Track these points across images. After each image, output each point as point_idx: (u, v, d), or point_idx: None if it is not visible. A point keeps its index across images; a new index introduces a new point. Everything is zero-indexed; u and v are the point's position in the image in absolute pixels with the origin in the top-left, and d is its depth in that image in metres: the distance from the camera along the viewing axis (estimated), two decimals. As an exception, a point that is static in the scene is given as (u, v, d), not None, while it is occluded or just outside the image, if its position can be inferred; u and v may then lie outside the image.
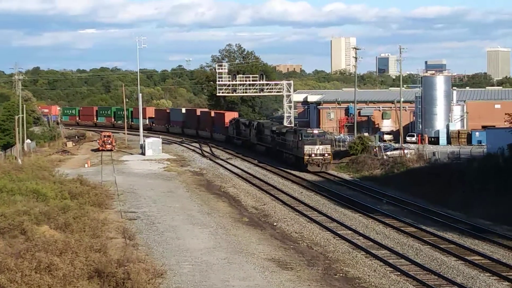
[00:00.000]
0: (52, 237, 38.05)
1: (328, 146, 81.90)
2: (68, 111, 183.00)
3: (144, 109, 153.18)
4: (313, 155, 79.81)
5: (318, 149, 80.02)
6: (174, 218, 52.21)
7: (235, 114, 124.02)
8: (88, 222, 44.60)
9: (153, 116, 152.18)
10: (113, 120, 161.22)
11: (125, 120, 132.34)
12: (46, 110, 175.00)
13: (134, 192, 65.22)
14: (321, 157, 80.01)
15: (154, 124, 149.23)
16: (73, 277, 30.93)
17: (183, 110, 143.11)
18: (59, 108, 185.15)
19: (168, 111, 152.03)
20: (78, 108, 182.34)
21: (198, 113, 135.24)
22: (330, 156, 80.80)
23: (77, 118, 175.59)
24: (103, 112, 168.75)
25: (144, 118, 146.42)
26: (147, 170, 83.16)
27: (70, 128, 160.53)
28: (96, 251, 35.82)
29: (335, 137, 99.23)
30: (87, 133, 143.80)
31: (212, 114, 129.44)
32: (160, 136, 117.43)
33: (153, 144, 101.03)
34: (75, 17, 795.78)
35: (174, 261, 38.54)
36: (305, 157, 79.80)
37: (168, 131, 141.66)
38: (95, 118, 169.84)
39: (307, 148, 79.96)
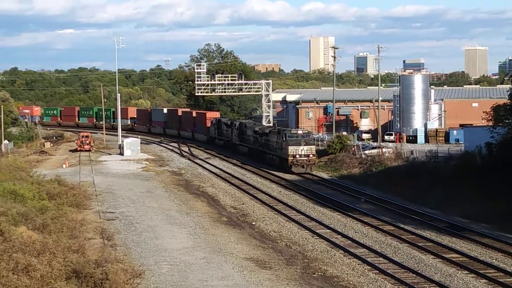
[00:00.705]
0: (30, 238, 37.86)
1: (313, 147, 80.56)
2: (49, 112, 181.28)
3: (125, 109, 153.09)
4: (297, 156, 78.38)
5: (303, 150, 78.62)
6: (152, 218, 52.13)
7: (216, 114, 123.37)
8: (66, 222, 44.43)
9: (135, 116, 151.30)
10: (95, 120, 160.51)
11: (104, 120, 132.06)
12: (27, 111, 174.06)
13: (113, 192, 65.04)
14: (306, 158, 78.61)
15: (136, 125, 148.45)
16: (51, 277, 30.81)
17: (165, 110, 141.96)
18: (36, 108, 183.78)
19: (149, 111, 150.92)
20: (59, 109, 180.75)
21: (180, 113, 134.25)
22: (314, 157, 79.59)
23: (59, 119, 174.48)
24: (85, 112, 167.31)
25: (125, 118, 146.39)
26: (125, 170, 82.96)
27: (48, 128, 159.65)
28: (74, 251, 35.70)
29: (314, 136, 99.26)
30: (65, 134, 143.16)
31: (194, 114, 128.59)
32: (139, 136, 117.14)
33: (132, 144, 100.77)
34: (53, 17, 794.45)
35: (153, 261, 38.49)
36: (289, 158, 78.49)
37: (149, 131, 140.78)
38: (77, 118, 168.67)
39: (292, 149, 78.53)
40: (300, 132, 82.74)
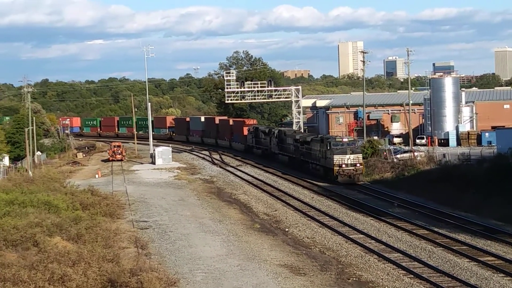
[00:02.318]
0: (65, 248, 38.15)
1: (360, 155, 75.72)
2: (89, 122, 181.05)
3: (163, 119, 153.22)
4: (343, 165, 73.70)
5: (349, 158, 74.00)
6: (185, 226, 52.24)
7: (254, 122, 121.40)
8: (100, 232, 44.69)
9: (173, 125, 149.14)
10: (134, 130, 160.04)
11: (135, 129, 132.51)
12: (67, 122, 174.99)
13: (145, 201, 65.26)
14: (353, 168, 73.92)
15: (174, 134, 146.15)
16: (87, 287, 31.01)
17: (202, 119, 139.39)
18: (76, 119, 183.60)
19: (188, 120, 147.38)
20: (99, 119, 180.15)
21: (217, 121, 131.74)
22: (362, 166, 75.14)
23: (99, 129, 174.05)
24: (125, 122, 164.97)
25: (164, 127, 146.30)
26: (157, 179, 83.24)
27: (81, 139, 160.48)
28: (109, 261, 35.90)
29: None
30: (97, 144, 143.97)
31: (231, 122, 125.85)
32: (170, 145, 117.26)
33: (163, 153, 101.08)
34: (82, 29, 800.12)
35: (187, 269, 38.54)
36: (334, 168, 73.82)
37: (188, 140, 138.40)
38: (116, 128, 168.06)
39: (337, 158, 73.88)
40: (345, 139, 77.61)
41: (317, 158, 79.62)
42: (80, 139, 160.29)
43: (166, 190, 74.15)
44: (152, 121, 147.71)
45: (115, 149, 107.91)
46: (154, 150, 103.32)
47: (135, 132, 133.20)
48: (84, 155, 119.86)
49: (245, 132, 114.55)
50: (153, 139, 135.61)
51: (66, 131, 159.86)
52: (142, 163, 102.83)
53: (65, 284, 30.81)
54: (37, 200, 53.47)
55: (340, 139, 77.58)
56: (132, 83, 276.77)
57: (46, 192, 59.76)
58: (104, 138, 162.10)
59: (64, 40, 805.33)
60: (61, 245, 39.27)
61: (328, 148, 75.61)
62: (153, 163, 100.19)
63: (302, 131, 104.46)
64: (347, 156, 74.05)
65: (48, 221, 45.21)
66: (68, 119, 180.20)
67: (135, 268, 34.39)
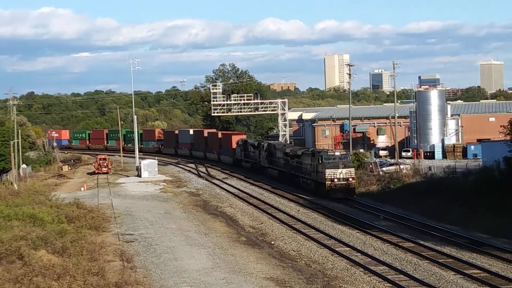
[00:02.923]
0: (50, 261, 37.95)
1: (352, 170, 73.66)
2: (78, 135, 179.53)
3: (152, 131, 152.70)
4: (335, 180, 71.80)
5: (341, 173, 71.94)
6: (171, 239, 52.09)
7: (243, 135, 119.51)
8: (85, 245, 44.48)
9: (162, 138, 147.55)
10: (123, 143, 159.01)
11: (121, 142, 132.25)
12: (56, 135, 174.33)
13: (131, 214, 65.04)
14: (345, 182, 72.07)
15: (163, 147, 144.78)
16: (72, 301, 30.86)
17: (191, 132, 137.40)
18: (64, 131, 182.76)
19: (176, 132, 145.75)
20: (88, 132, 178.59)
21: (206, 134, 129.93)
22: (355, 181, 73.35)
23: (88, 142, 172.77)
24: (114, 135, 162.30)
25: (152, 140, 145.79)
26: (143, 192, 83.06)
27: (66, 152, 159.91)
28: (94, 274, 35.73)
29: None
30: (82, 157, 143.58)
31: (219, 135, 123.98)
32: (156, 158, 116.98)
33: (149, 165, 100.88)
34: (68, 41, 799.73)
35: (173, 282, 38.40)
36: (326, 182, 71.91)
37: (176, 153, 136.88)
38: (105, 141, 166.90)
39: (329, 172, 71.90)
40: (337, 153, 75.35)
41: (308, 172, 77.68)
42: (66, 152, 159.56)
43: (152, 203, 73.98)
44: (140, 134, 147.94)
45: (100, 162, 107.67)
46: (140, 163, 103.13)
47: (122, 145, 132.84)
48: (69, 168, 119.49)
49: (234, 145, 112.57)
50: (142, 152, 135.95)
51: (53, 144, 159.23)
52: (128, 176, 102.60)
53: (49, 298, 30.66)
54: (22, 213, 53.21)
55: (332, 153, 75.44)
56: (118, 95, 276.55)
57: (31, 205, 59.48)
58: (92, 151, 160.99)
59: (50, 53, 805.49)
60: (46, 258, 39.06)
61: (320, 162, 73.55)
62: (139, 176, 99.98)
63: (292, 145, 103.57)
64: (339, 170, 72.11)
65: (33, 234, 45.00)
66: (57, 132, 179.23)
67: (121, 282, 34.25)
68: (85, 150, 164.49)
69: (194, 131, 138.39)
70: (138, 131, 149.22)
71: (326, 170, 72.07)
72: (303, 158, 79.33)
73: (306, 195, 75.41)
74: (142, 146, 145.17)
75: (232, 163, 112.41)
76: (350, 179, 72.49)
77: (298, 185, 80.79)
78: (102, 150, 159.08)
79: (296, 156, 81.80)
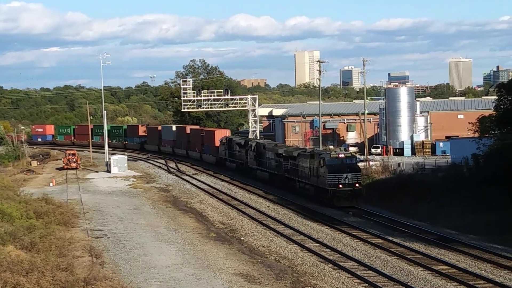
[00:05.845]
0: (18, 257, 37.70)
1: (359, 174, 64.71)
2: (63, 130, 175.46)
3: (136, 127, 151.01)
4: (340, 185, 63.26)
5: (346, 177, 63.23)
6: (141, 235, 51.99)
7: (227, 132, 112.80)
8: (54, 241, 44.24)
9: (145, 134, 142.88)
10: (107, 139, 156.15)
11: (90, 137, 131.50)
12: (40, 130, 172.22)
13: (100, 210, 64.84)
14: (351, 188, 63.38)
15: (146, 144, 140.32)
16: (40, 297, 30.70)
17: (174, 128, 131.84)
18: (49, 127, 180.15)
19: (160, 128, 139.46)
20: (73, 127, 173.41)
21: (188, 131, 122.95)
22: (361, 187, 64.97)
23: (73, 138, 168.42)
24: (99, 130, 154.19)
25: (136, 136, 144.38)
26: (113, 188, 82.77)
27: (35, 147, 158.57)
28: (63, 270, 35.55)
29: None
30: (52, 152, 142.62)
31: (202, 132, 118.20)
32: (126, 153, 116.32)
33: (119, 161, 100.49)
34: (38, 36, 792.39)
35: (142, 278, 38.34)
36: (329, 188, 63.64)
37: (159, 150, 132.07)
38: (90, 137, 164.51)
39: (332, 177, 63.31)
40: (342, 155, 65.72)
41: (306, 176, 69.11)
42: (35, 147, 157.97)
43: (121, 198, 73.77)
44: (125, 130, 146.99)
45: (70, 157, 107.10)
46: (109, 159, 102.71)
47: (113, 142, 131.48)
48: (38, 163, 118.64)
49: (217, 143, 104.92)
50: (126, 148, 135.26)
51: (21, 139, 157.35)
52: (97, 172, 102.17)
53: (18, 294, 30.48)
54: (-10, 208, 52.83)
55: (336, 154, 65.78)
56: (88, 91, 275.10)
57: (-1, 200, 59.09)
58: (78, 146, 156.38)
59: (19, 47, 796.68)
60: (14, 254, 38.79)
61: (321, 164, 64.79)
62: (109, 171, 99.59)
63: (284, 144, 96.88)
64: (344, 174, 63.33)
65: (1, 230, 44.71)
66: (41, 127, 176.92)
67: (89, 277, 34.12)
68: (70, 146, 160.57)
69: (176, 127, 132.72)
70: (122, 127, 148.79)
71: (329, 174, 63.62)
72: (299, 160, 71.22)
73: (305, 203, 66.81)
74: (127, 142, 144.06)
75: (215, 163, 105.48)
76: (357, 185, 63.85)
77: (293, 190, 73.01)
78: (87, 146, 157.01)
79: (291, 157, 73.79)
